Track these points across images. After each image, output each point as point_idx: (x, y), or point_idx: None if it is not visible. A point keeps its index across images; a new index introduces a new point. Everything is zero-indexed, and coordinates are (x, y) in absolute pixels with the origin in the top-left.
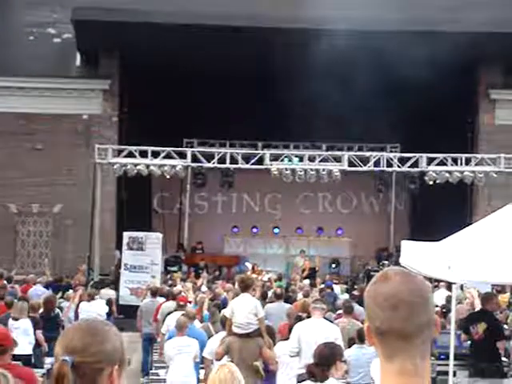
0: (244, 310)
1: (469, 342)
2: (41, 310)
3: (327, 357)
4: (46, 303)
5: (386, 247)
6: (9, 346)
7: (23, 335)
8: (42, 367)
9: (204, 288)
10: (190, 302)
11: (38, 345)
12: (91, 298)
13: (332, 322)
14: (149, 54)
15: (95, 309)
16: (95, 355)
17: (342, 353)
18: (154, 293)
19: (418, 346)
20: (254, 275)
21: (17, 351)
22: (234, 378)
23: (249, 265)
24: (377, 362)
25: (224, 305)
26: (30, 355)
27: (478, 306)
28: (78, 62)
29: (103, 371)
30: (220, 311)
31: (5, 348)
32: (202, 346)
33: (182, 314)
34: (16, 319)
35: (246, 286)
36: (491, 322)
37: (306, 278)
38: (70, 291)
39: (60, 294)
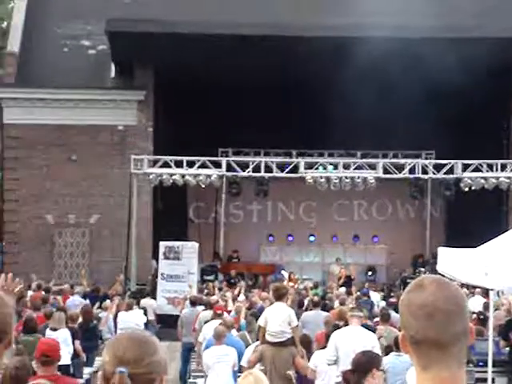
0: (278, 318)
1: (507, 349)
2: (79, 321)
3: (364, 364)
4: (84, 313)
5: (423, 254)
6: (56, 358)
7: (62, 345)
8: (81, 377)
9: (242, 297)
10: (229, 312)
11: (76, 355)
12: (129, 308)
13: (370, 329)
14: (183, 64)
15: (133, 319)
16: (147, 366)
17: (379, 361)
18: (194, 302)
19: (454, 354)
20: (291, 283)
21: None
22: None
23: (285, 273)
24: (413, 370)
25: (261, 313)
26: (69, 365)
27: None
28: (112, 73)
29: (154, 382)
30: (257, 320)
31: (52, 359)
32: (240, 355)
33: (220, 323)
34: (55, 329)
35: (280, 295)
36: None
37: (342, 285)
38: (108, 301)
39: (97, 305)
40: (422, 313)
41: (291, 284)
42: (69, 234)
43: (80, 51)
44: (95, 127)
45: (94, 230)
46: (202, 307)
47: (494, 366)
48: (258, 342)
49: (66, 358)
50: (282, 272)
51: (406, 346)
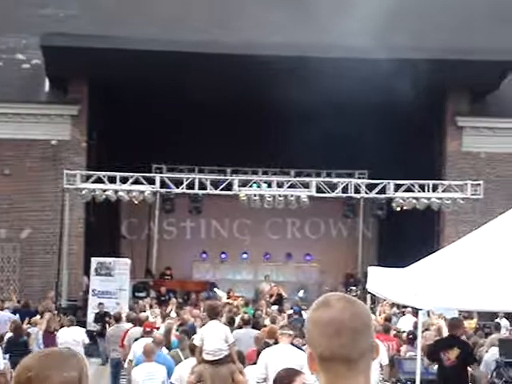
0: (214, 336)
1: (435, 368)
2: (7, 336)
3: (282, 378)
4: (15, 328)
5: (353, 274)
6: None
7: None
8: None
9: (173, 314)
10: (157, 329)
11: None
12: (71, 324)
13: (301, 348)
14: (118, 79)
15: (73, 336)
16: None
17: (300, 375)
18: (118, 319)
19: (361, 370)
20: (230, 301)
21: None
22: None
23: (218, 291)
24: None
25: (192, 331)
26: None
27: (445, 333)
28: (46, 87)
29: None
30: (189, 337)
31: None
32: (170, 373)
33: (152, 341)
34: None
35: (214, 313)
36: (464, 348)
37: (273, 303)
38: (37, 317)
39: (27, 320)
40: (330, 330)
41: (230, 301)
42: None
43: (14, 65)
44: (29, 141)
45: (25, 244)
46: (130, 324)
47: None
48: (190, 360)
49: None
50: (215, 289)
51: (313, 364)
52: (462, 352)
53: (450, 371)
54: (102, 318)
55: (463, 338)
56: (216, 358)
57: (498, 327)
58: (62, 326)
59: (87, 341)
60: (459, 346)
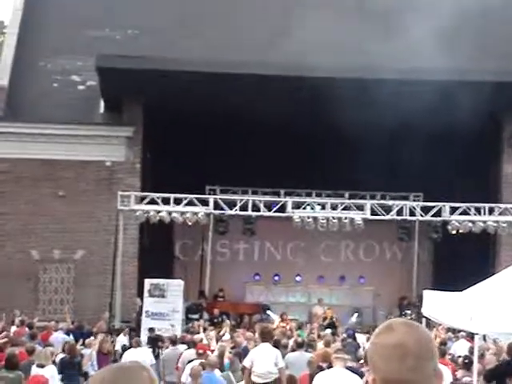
0: (264, 359)
1: None
2: (61, 356)
3: None
4: (69, 350)
5: (407, 296)
6: None
7: (51, 382)
8: None
9: (227, 336)
10: (212, 351)
11: None
12: (137, 345)
13: (355, 371)
14: (172, 100)
15: (140, 356)
16: None
17: None
18: (174, 341)
19: None
20: (283, 324)
21: None
22: None
23: (271, 313)
24: None
25: (245, 353)
26: None
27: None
28: (101, 108)
29: None
30: (240, 360)
31: None
32: None
33: (200, 363)
34: (42, 366)
35: (266, 336)
36: None
37: (327, 327)
38: (91, 338)
39: (81, 341)
40: (394, 354)
41: (283, 325)
42: (54, 269)
43: (70, 86)
44: (83, 163)
45: (79, 265)
46: (185, 346)
47: None
48: (242, 382)
49: None
50: (268, 312)
51: None
52: None
53: None
54: (153, 341)
55: None
56: (265, 380)
57: None
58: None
59: (154, 361)
60: None
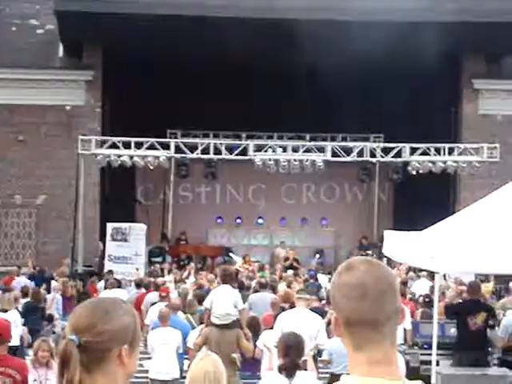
0: (223, 301)
1: (452, 332)
2: (25, 300)
3: (296, 344)
4: (34, 295)
5: (369, 237)
6: (6, 338)
7: (13, 327)
8: (24, 358)
9: (192, 279)
10: (170, 294)
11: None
12: (113, 286)
13: (318, 312)
14: (132, 44)
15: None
16: (101, 335)
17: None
18: (138, 284)
19: (387, 334)
20: (246, 266)
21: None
22: (216, 368)
23: (233, 256)
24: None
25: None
26: (18, 346)
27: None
28: (61, 53)
29: (111, 351)
30: (200, 302)
31: (2, 339)
32: (187, 337)
33: (166, 305)
34: (5, 311)
35: (226, 278)
36: (490, 312)
37: (288, 268)
38: (55, 282)
39: (44, 286)
40: (355, 293)
41: (246, 266)
42: (15, 214)
43: (28, 30)
44: (43, 107)
45: (40, 210)
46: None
47: (438, 348)
48: (203, 325)
49: (15, 339)
50: (231, 254)
51: (338, 328)
52: (488, 315)
53: (475, 334)
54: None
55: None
56: (223, 322)
57: (508, 290)
58: (78, 292)
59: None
60: (485, 309)
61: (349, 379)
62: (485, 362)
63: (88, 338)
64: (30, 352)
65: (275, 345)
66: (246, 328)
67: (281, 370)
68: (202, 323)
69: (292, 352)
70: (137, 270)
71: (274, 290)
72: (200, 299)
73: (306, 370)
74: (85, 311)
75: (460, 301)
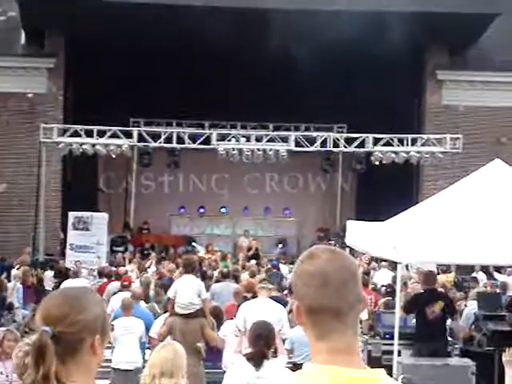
0: (187, 290)
1: (414, 322)
2: None
3: (265, 331)
4: None
5: (332, 227)
6: None
7: None
8: None
9: (153, 268)
10: (132, 283)
11: None
12: (76, 276)
13: (279, 301)
14: (95, 32)
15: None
16: (75, 325)
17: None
18: (100, 273)
19: (349, 323)
20: (209, 255)
21: None
22: (177, 355)
23: (196, 245)
24: None
25: (170, 284)
26: None
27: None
28: (22, 40)
29: (84, 341)
30: (165, 291)
31: None
32: (149, 326)
33: (131, 295)
34: None
35: (190, 267)
36: (447, 300)
37: (251, 257)
38: (16, 271)
39: (5, 274)
40: (317, 281)
41: (209, 256)
42: None
43: None
44: (4, 94)
45: (1, 198)
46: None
47: (400, 338)
48: (168, 314)
49: None
50: (193, 244)
51: (300, 316)
52: (446, 304)
53: (433, 324)
54: (61, 273)
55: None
56: (187, 311)
57: (475, 280)
58: (39, 280)
59: None
60: (442, 298)
61: (310, 367)
62: (444, 352)
63: (61, 328)
64: None
65: (237, 334)
66: (209, 316)
67: (249, 359)
68: (165, 312)
69: (262, 341)
70: (98, 258)
71: (236, 279)
72: (163, 289)
73: (276, 355)
74: (56, 301)
75: (415, 294)
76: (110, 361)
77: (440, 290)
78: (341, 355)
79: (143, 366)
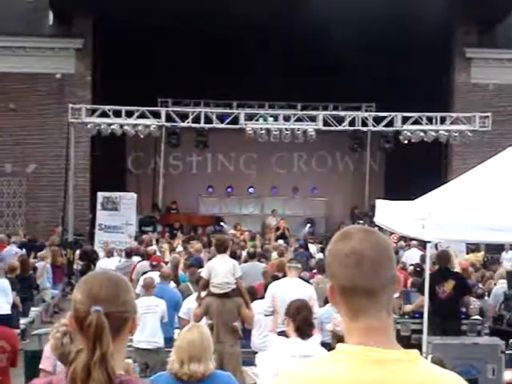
0: (222, 270)
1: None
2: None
3: (300, 307)
4: (22, 263)
5: (360, 206)
6: None
7: (2, 295)
8: (18, 327)
9: (179, 248)
10: (166, 263)
11: (12, 306)
12: (110, 254)
13: (305, 280)
14: (123, 11)
15: (113, 265)
16: (123, 305)
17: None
18: (129, 253)
19: (383, 303)
20: (237, 235)
21: None
22: (204, 339)
23: (224, 225)
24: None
25: (198, 264)
26: (9, 315)
27: (456, 265)
28: (51, 20)
29: (128, 320)
30: (192, 271)
31: None
32: (177, 307)
33: (160, 275)
34: None
35: (223, 247)
36: (458, 279)
37: (279, 237)
38: (44, 251)
39: (33, 255)
40: (351, 261)
41: (237, 235)
42: (5, 183)
43: None
44: (33, 75)
45: (30, 179)
46: (138, 258)
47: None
48: (199, 294)
49: (5, 308)
50: (222, 223)
51: (334, 296)
52: (458, 283)
53: (445, 303)
54: (86, 254)
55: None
56: (223, 291)
57: (497, 262)
58: (68, 260)
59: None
60: (453, 277)
61: (343, 348)
62: (456, 330)
63: (112, 308)
64: (22, 320)
65: (266, 313)
66: (247, 295)
67: (296, 330)
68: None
69: (304, 312)
70: (130, 237)
71: (267, 259)
72: (192, 268)
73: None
74: (103, 281)
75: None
76: (131, 340)
77: (454, 269)
78: (374, 335)
79: (165, 346)
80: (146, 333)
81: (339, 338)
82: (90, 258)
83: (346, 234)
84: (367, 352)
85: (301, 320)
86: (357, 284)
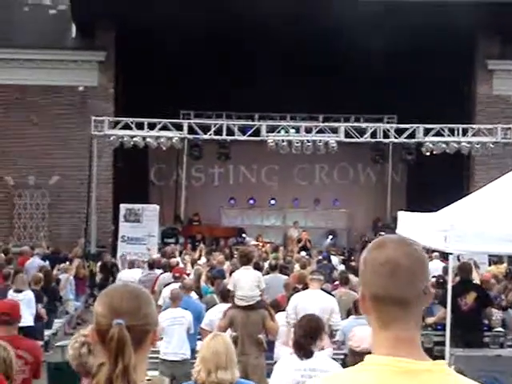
0: (247, 282)
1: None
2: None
3: (314, 328)
4: (46, 276)
5: (382, 218)
6: (16, 319)
7: (25, 307)
8: (42, 339)
9: (203, 260)
10: (188, 275)
11: (38, 318)
12: (132, 265)
13: (328, 293)
14: (145, 24)
15: (135, 276)
16: (144, 318)
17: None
18: (151, 265)
19: (414, 313)
20: (259, 246)
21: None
22: (228, 347)
23: (246, 237)
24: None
25: (221, 276)
26: (33, 327)
27: (476, 277)
28: (73, 33)
29: (149, 333)
30: (214, 283)
31: (12, 319)
32: (200, 318)
33: (181, 287)
34: (19, 291)
35: (247, 259)
36: (480, 291)
37: (301, 249)
38: (67, 263)
39: (57, 267)
40: (385, 270)
41: (259, 247)
42: (28, 195)
43: (41, 11)
44: (56, 88)
45: (53, 191)
46: (161, 270)
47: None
48: (220, 306)
49: (29, 320)
50: (243, 235)
51: (365, 304)
52: (479, 294)
53: (467, 315)
54: (105, 267)
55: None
56: (248, 303)
57: None
58: (91, 272)
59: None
60: (475, 289)
61: (372, 358)
62: (478, 342)
63: (133, 321)
64: (46, 332)
65: (288, 326)
66: (270, 308)
67: (297, 350)
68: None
69: (309, 335)
70: (148, 250)
71: (289, 271)
72: (215, 280)
73: (322, 347)
74: (125, 295)
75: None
76: (159, 352)
77: (475, 281)
78: (403, 346)
79: (191, 358)
80: (173, 344)
81: (356, 355)
82: (110, 271)
83: (381, 243)
84: (396, 363)
85: (302, 344)
86: (391, 293)
